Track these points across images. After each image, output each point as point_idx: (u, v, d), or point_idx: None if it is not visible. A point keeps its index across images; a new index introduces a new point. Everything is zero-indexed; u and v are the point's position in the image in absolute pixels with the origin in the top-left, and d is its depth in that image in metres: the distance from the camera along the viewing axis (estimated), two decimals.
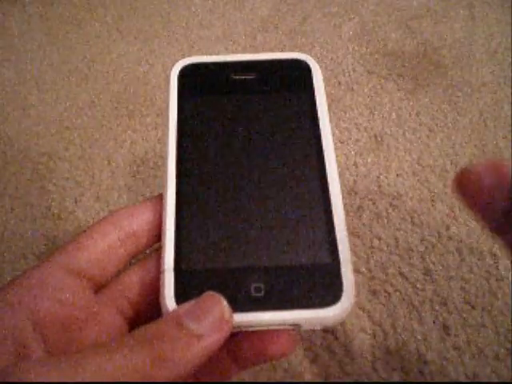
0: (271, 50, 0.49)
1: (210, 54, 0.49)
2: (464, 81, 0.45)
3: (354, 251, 0.33)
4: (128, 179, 0.39)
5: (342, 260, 0.19)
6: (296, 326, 0.18)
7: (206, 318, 0.17)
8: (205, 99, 0.23)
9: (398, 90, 0.44)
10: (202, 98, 0.23)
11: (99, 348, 0.16)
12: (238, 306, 0.18)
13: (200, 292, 0.18)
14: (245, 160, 0.21)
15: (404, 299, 0.31)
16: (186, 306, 0.17)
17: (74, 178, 0.39)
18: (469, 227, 0.34)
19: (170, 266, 0.19)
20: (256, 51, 0.49)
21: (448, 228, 0.34)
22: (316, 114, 0.22)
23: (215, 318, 0.17)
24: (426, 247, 0.33)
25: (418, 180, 0.37)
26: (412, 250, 0.33)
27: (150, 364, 0.15)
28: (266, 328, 0.18)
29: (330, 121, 0.23)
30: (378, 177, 0.38)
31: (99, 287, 0.21)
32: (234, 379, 0.22)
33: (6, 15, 0.55)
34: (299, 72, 0.24)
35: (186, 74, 0.24)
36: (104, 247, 0.20)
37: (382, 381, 0.28)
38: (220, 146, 0.22)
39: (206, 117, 0.22)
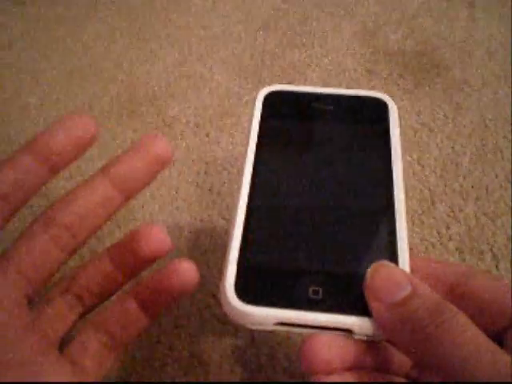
0: (271, 50, 0.49)
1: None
2: (464, 81, 0.45)
3: None
4: None
5: None
6: (348, 332, 0.19)
7: None
8: (285, 125, 0.25)
9: (398, 89, 0.44)
10: (283, 123, 0.25)
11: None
12: (294, 303, 0.19)
13: (260, 286, 0.19)
14: (317, 185, 0.23)
15: None
16: None
17: (74, 178, 0.39)
18: (469, 227, 0.34)
19: (233, 258, 0.20)
20: (256, 51, 0.49)
21: (448, 228, 0.34)
22: (389, 154, 0.23)
23: None
24: (426, 247, 0.33)
25: (418, 180, 0.37)
26: (412, 250, 0.33)
27: None
28: (316, 330, 0.19)
29: None
30: None
31: (37, 291, 0.20)
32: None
33: (5, 15, 0.56)
34: (377, 110, 0.25)
35: (270, 100, 0.26)
36: (37, 248, 0.20)
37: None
38: (295, 170, 0.23)
39: (284, 141, 0.24)
